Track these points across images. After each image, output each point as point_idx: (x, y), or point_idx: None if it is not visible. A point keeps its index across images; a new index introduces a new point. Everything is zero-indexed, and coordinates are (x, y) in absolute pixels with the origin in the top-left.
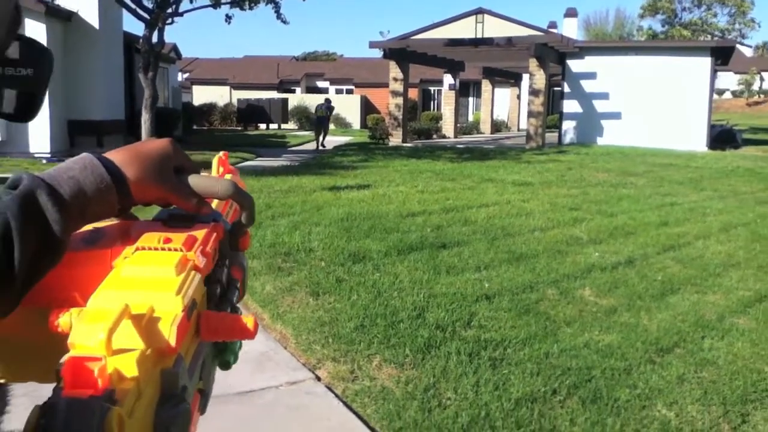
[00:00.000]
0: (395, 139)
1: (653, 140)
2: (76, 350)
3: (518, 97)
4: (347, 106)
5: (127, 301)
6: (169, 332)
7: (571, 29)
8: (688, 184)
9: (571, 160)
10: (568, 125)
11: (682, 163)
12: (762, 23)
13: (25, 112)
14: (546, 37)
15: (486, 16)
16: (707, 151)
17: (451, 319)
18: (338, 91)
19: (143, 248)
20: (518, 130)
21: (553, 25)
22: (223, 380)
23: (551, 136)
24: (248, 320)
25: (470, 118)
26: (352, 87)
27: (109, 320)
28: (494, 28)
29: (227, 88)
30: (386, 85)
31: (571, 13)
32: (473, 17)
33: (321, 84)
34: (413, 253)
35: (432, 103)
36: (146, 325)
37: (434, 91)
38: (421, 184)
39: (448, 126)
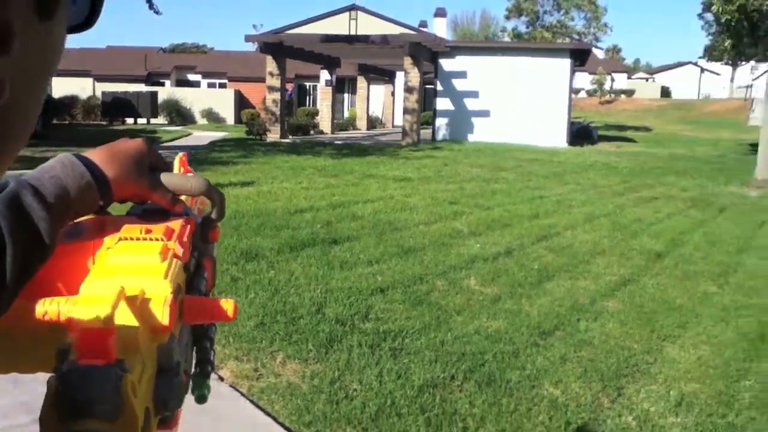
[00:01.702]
0: (273, 135)
1: (519, 137)
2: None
3: (392, 94)
4: (221, 101)
5: (119, 285)
6: (162, 312)
7: (440, 29)
8: (553, 178)
9: (445, 156)
10: (441, 122)
11: (546, 158)
12: (613, 27)
13: (91, 17)
14: (419, 36)
15: (359, 12)
16: (568, 147)
17: (350, 313)
18: (210, 85)
19: (126, 238)
20: (393, 126)
21: (423, 24)
22: None
23: (425, 133)
24: (228, 304)
25: (346, 114)
26: (225, 81)
27: (110, 300)
28: (367, 25)
29: (90, 79)
30: (260, 80)
31: (440, 13)
32: (347, 14)
33: (192, 77)
34: (306, 250)
35: (308, 98)
36: (140, 305)
37: (310, 86)
38: (306, 181)
39: (325, 122)
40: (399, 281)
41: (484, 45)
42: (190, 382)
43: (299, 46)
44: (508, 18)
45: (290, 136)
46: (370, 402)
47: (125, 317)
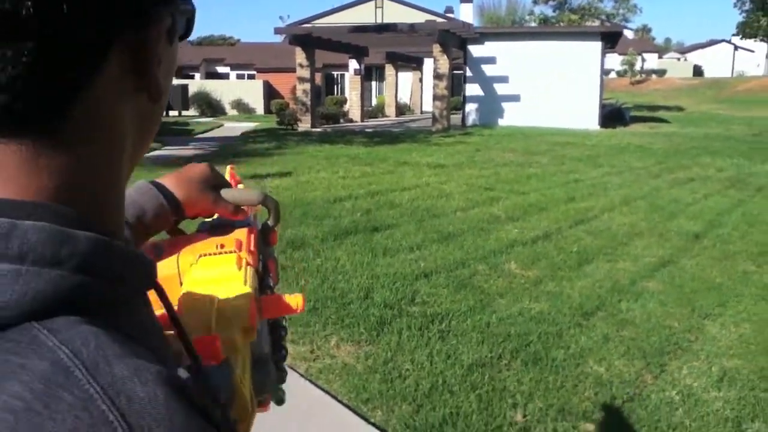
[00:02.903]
0: (304, 125)
1: (550, 120)
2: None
3: (420, 80)
4: (250, 92)
5: (212, 297)
6: (248, 315)
7: (467, 14)
8: (587, 161)
9: (477, 141)
10: (470, 107)
11: (578, 141)
12: (643, 8)
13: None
14: (448, 23)
15: (385, 1)
16: (600, 130)
17: (397, 298)
18: (239, 77)
19: (205, 254)
20: (421, 112)
21: (449, 10)
22: None
23: (455, 118)
24: (297, 298)
25: (374, 101)
26: (254, 72)
27: (209, 312)
28: (394, 13)
29: None
30: (289, 70)
31: None
32: (373, 2)
33: (221, 69)
34: (349, 237)
35: (336, 87)
36: (231, 312)
37: (337, 75)
38: (341, 170)
39: (354, 110)
40: (441, 266)
41: (514, 30)
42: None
43: (327, 37)
44: (536, 2)
45: (321, 126)
46: (422, 380)
47: (222, 323)
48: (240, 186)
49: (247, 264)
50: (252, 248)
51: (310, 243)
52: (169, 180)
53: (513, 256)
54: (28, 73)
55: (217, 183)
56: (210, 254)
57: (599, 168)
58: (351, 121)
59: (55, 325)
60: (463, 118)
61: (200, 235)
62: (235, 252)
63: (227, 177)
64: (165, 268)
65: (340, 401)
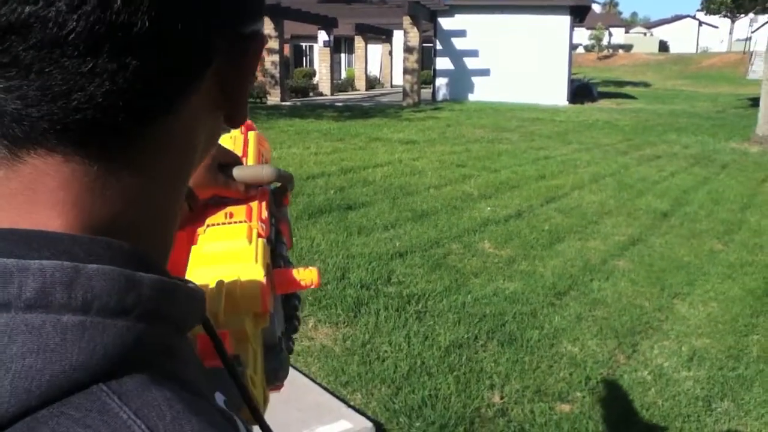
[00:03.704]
0: (273, 98)
1: (520, 96)
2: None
3: (390, 53)
4: None
5: (217, 276)
6: (260, 299)
7: None
8: (556, 138)
9: (447, 117)
10: (441, 82)
11: (547, 117)
12: None
13: None
14: None
15: None
16: (568, 105)
17: (373, 278)
18: None
19: (213, 225)
20: (391, 86)
21: None
22: None
23: (425, 93)
24: (312, 272)
25: (344, 74)
26: None
27: (217, 296)
28: None
29: None
30: None
31: None
32: None
33: None
34: (323, 216)
35: (304, 59)
36: (241, 297)
37: (306, 47)
38: (313, 146)
39: (324, 83)
40: (416, 245)
41: (484, 3)
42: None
43: (297, 7)
44: None
45: (290, 99)
46: (401, 362)
47: (231, 310)
48: (251, 133)
49: (258, 235)
50: (263, 216)
51: None
52: None
53: (486, 234)
54: (124, 88)
55: (225, 161)
56: (219, 224)
57: (568, 145)
58: (321, 94)
59: (125, 388)
60: (434, 93)
61: (209, 203)
62: (245, 222)
63: (254, 142)
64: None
65: (319, 384)
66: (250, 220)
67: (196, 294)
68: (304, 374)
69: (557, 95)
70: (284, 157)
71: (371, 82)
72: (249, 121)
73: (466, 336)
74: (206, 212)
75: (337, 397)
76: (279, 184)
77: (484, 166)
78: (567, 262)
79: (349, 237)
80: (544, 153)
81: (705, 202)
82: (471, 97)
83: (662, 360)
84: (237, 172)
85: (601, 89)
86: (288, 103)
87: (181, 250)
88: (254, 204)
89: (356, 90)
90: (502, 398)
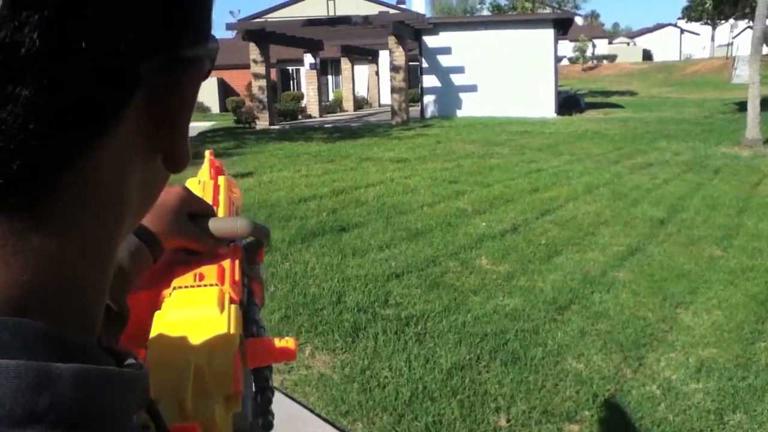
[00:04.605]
0: (262, 122)
1: (508, 110)
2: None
3: (377, 73)
4: (204, 90)
5: (183, 350)
6: (231, 378)
7: (419, 5)
8: (547, 150)
9: (437, 133)
10: (428, 99)
11: (536, 129)
12: None
13: None
14: (402, 14)
15: None
16: (556, 117)
17: (369, 300)
18: None
19: (181, 287)
20: (379, 105)
21: (401, 0)
22: None
23: (413, 110)
24: (288, 342)
25: (331, 96)
26: None
27: (184, 374)
28: (346, 5)
29: None
30: (243, 66)
31: None
32: None
33: None
34: (317, 239)
35: (291, 82)
36: (211, 377)
37: (292, 70)
38: (304, 168)
39: (312, 106)
40: (412, 265)
41: (467, 20)
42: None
43: (281, 32)
44: None
45: (279, 123)
46: (402, 388)
47: (200, 391)
48: (221, 178)
49: (231, 301)
50: (236, 278)
51: (278, 247)
52: None
53: (483, 251)
54: (14, 127)
55: (196, 210)
56: (187, 287)
57: (560, 156)
58: (309, 116)
59: None
60: (422, 110)
61: (177, 255)
62: (216, 285)
63: (206, 164)
64: (139, 303)
65: (318, 415)
66: (222, 284)
67: (136, 378)
68: (303, 405)
69: (545, 108)
70: (275, 181)
71: (359, 103)
72: (219, 164)
73: (468, 357)
74: (172, 270)
75: (338, 428)
76: (253, 239)
77: (476, 182)
78: (566, 275)
79: (343, 259)
80: (536, 166)
81: (701, 208)
82: (459, 113)
83: (670, 372)
84: (212, 223)
85: (588, 100)
86: (277, 127)
87: (144, 312)
88: (226, 264)
89: (345, 111)
90: (508, 421)
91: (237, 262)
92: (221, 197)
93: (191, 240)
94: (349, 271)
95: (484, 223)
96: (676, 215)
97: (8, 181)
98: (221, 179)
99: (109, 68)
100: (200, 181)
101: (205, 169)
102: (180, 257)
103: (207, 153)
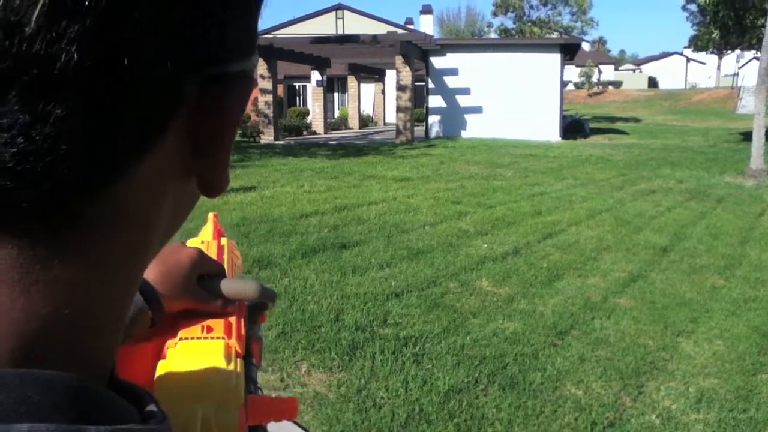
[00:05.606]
0: (267, 137)
1: (512, 132)
2: None
3: (383, 92)
4: None
5: (189, 402)
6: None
7: (427, 26)
8: (551, 174)
9: (441, 153)
10: (433, 119)
11: (540, 153)
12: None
13: None
14: (410, 35)
15: (346, 11)
16: (561, 141)
17: (368, 319)
18: None
19: (187, 338)
20: (384, 124)
21: (409, 21)
22: None
23: (418, 130)
24: (290, 402)
25: (337, 113)
26: None
27: (190, 428)
28: (354, 24)
29: None
30: None
31: (427, 10)
32: (333, 13)
33: None
34: (317, 255)
35: (297, 98)
36: (217, 430)
37: (299, 86)
38: (307, 184)
39: (317, 122)
40: (412, 285)
41: (475, 42)
42: None
43: (290, 48)
44: (495, 14)
45: (284, 138)
46: (398, 409)
47: None
48: (224, 239)
49: (237, 354)
50: (242, 332)
51: (278, 262)
52: (153, 271)
53: (484, 272)
54: (44, 148)
55: (206, 271)
56: (193, 338)
57: (563, 180)
58: (314, 133)
59: None
60: (427, 130)
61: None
62: (223, 338)
63: (209, 226)
64: (139, 355)
65: None
66: (230, 337)
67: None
68: (297, 424)
69: (550, 131)
70: (277, 196)
71: (364, 121)
72: (220, 227)
73: (465, 380)
74: (177, 323)
75: None
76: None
77: (479, 203)
78: (567, 300)
79: (343, 277)
80: (539, 189)
81: (704, 236)
82: (464, 134)
83: (669, 402)
84: (223, 284)
85: (592, 125)
86: (281, 142)
87: (147, 361)
88: (233, 318)
89: (350, 128)
90: None
91: (242, 318)
92: (226, 258)
93: (198, 302)
94: (348, 288)
95: (485, 245)
96: (678, 243)
97: (33, 206)
98: (224, 240)
99: (152, 86)
100: (203, 242)
101: (207, 230)
102: (182, 313)
103: (210, 215)
